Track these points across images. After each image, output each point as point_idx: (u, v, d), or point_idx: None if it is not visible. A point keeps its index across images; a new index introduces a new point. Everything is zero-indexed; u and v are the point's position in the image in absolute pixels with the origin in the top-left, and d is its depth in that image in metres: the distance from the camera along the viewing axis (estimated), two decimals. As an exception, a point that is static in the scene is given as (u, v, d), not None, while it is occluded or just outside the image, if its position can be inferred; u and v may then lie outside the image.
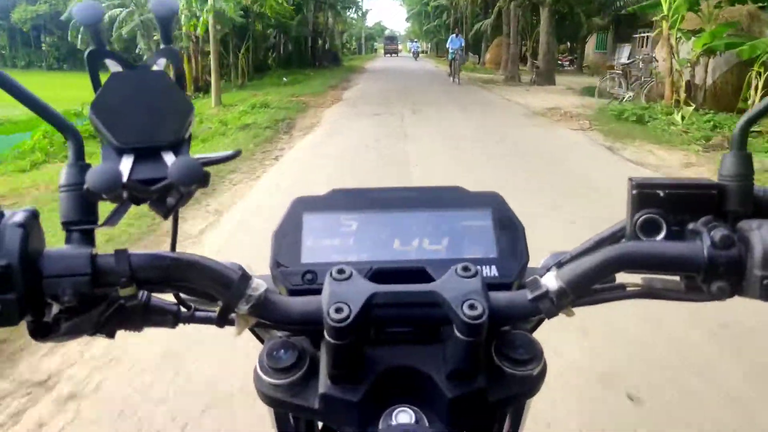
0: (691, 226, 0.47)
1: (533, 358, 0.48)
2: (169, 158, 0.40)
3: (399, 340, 0.48)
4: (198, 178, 0.38)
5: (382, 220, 0.54)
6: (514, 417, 0.57)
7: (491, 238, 0.53)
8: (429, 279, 0.49)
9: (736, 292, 0.45)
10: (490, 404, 0.47)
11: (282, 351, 0.48)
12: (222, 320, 0.47)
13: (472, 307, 0.42)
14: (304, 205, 0.55)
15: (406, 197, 0.56)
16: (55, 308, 0.43)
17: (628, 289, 0.51)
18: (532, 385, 0.48)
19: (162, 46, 0.42)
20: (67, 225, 0.44)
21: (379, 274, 0.50)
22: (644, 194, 0.48)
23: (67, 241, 0.44)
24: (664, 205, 0.48)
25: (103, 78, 0.41)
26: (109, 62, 0.41)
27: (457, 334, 0.43)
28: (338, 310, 0.42)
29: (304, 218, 0.54)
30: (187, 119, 0.41)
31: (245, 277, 0.45)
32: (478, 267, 0.47)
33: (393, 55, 61.86)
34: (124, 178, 0.38)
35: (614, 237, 0.51)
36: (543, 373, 0.49)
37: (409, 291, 0.45)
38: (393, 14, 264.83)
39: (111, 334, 0.48)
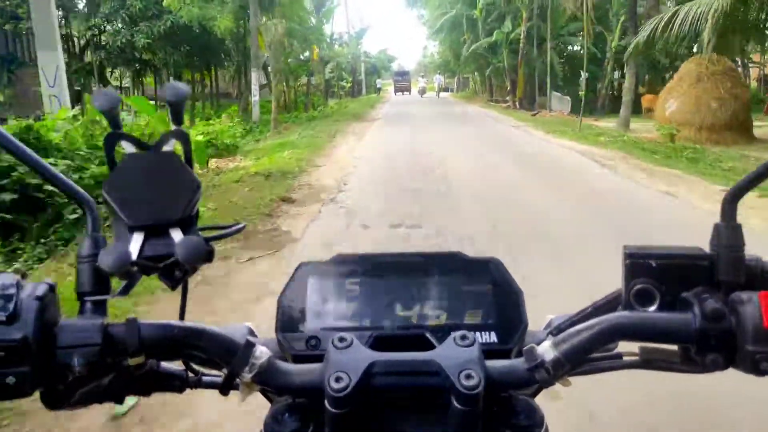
0: (684, 295, 0.48)
1: (534, 424, 0.48)
2: (176, 235, 0.43)
3: (400, 407, 0.48)
4: (202, 256, 0.42)
5: (384, 285, 0.55)
6: None
7: (490, 304, 0.54)
8: (430, 346, 0.49)
9: (730, 365, 0.45)
10: None
11: (287, 415, 0.48)
12: (227, 387, 0.49)
13: (468, 377, 0.43)
14: (309, 271, 0.55)
15: (408, 263, 0.56)
16: (67, 378, 0.44)
17: (625, 358, 0.53)
18: None
19: (173, 128, 0.45)
20: (81, 295, 0.47)
21: (381, 340, 0.51)
22: (637, 264, 0.49)
23: (81, 311, 0.46)
24: (657, 274, 0.49)
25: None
26: (124, 144, 0.45)
27: (455, 403, 0.44)
28: (338, 380, 0.43)
29: (309, 284, 0.55)
30: (195, 197, 0.44)
31: (249, 345, 0.46)
32: (477, 334, 0.48)
33: (405, 93, 47.75)
34: (134, 257, 0.42)
35: (611, 304, 0.51)
36: None
37: (407, 360, 0.46)
38: (398, 38, 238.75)
39: (120, 400, 0.50)
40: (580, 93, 20.67)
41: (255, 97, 17.21)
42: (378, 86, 51.58)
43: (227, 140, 10.03)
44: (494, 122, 18.06)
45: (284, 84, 30.84)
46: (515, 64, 25.37)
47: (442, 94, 43.59)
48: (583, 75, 16.82)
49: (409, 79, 51.82)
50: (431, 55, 58.41)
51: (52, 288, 0.45)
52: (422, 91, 44.46)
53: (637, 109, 23.13)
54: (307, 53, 28.45)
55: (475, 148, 10.86)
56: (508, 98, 26.99)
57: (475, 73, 37.11)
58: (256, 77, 16.86)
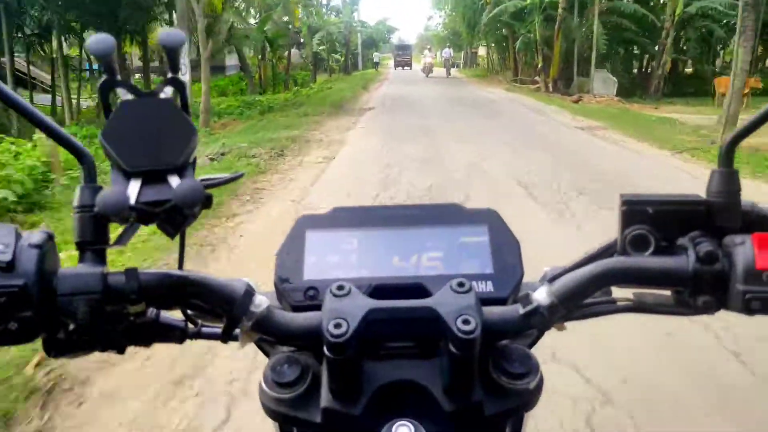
0: (679, 241, 0.49)
1: (529, 371, 0.48)
2: (174, 181, 0.44)
3: (398, 355, 0.49)
4: (200, 200, 0.42)
5: (382, 236, 0.56)
6: (513, 431, 0.55)
7: (487, 254, 0.54)
8: (427, 294, 0.50)
9: (722, 306, 0.47)
10: (487, 418, 0.48)
11: (286, 366, 0.49)
12: (226, 336, 0.50)
13: (465, 322, 0.44)
14: (307, 223, 0.56)
15: (405, 215, 0.57)
16: (68, 325, 0.45)
17: (618, 303, 0.54)
18: (529, 398, 0.49)
19: (169, 75, 0.45)
20: (80, 245, 0.47)
21: (379, 289, 0.52)
22: (633, 211, 0.50)
23: (81, 260, 0.47)
24: (652, 221, 0.49)
25: None
26: (120, 90, 0.45)
27: (452, 348, 0.44)
28: (337, 326, 0.44)
29: (307, 236, 0.55)
30: (192, 143, 0.45)
31: (248, 294, 0.48)
32: (473, 283, 0.49)
33: (406, 68, 43.80)
34: (132, 201, 0.42)
35: (606, 252, 0.52)
36: (539, 386, 0.49)
37: (405, 306, 0.47)
38: (398, 8, 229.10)
39: (121, 350, 0.50)
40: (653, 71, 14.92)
41: (185, 76, 11.56)
42: (376, 60, 45.57)
43: (20, 185, 4.55)
44: (554, 123, 11.96)
45: (258, 58, 25.20)
46: (549, 36, 19.67)
47: (451, 71, 37.41)
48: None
49: (410, 54, 47.36)
50: (436, 26, 52.14)
51: (50, 237, 0.45)
52: (428, 69, 32.56)
53: (693, 93, 17.72)
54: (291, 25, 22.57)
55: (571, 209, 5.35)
56: (537, 78, 21.29)
57: (492, 47, 31.10)
58: (184, 47, 11.19)
